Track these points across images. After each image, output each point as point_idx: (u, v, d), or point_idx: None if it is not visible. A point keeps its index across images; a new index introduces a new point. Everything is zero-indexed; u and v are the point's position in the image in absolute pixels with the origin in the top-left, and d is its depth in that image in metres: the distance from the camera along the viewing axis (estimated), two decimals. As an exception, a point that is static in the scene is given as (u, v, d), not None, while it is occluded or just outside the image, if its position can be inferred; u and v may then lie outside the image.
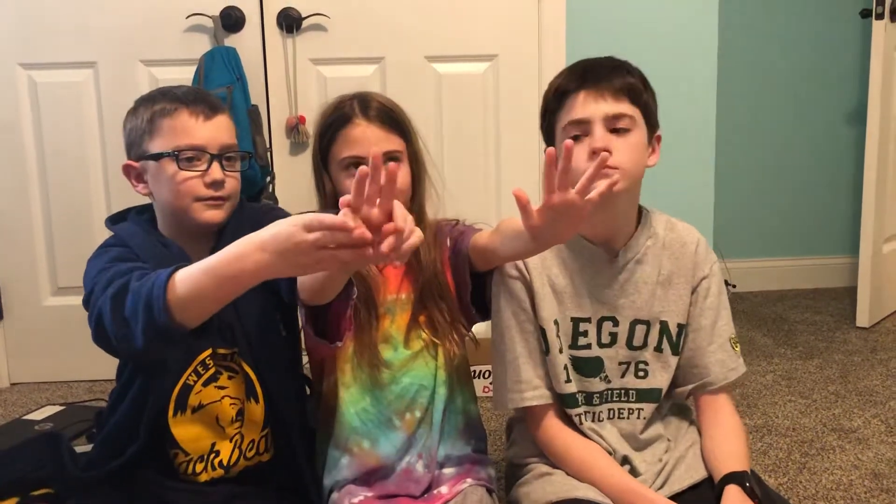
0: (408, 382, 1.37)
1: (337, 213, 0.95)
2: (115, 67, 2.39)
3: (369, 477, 1.36)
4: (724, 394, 1.37)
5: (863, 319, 2.88)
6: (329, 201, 1.37)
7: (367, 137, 1.32)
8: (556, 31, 2.46)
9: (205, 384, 1.32)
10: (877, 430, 1.99)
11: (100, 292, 1.17)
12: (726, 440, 1.32)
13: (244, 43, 2.37)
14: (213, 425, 1.34)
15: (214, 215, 1.33)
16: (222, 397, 1.34)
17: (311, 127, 2.42)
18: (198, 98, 1.34)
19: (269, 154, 2.39)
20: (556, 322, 1.33)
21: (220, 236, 1.35)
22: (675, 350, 1.37)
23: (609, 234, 1.34)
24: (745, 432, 1.36)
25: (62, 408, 2.16)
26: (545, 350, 1.33)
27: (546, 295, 1.33)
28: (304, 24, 2.40)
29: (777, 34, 3.37)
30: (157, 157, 1.31)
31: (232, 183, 1.34)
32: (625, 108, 1.25)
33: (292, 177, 2.43)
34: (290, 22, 2.38)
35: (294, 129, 2.43)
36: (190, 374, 1.30)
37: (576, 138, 1.24)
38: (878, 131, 2.81)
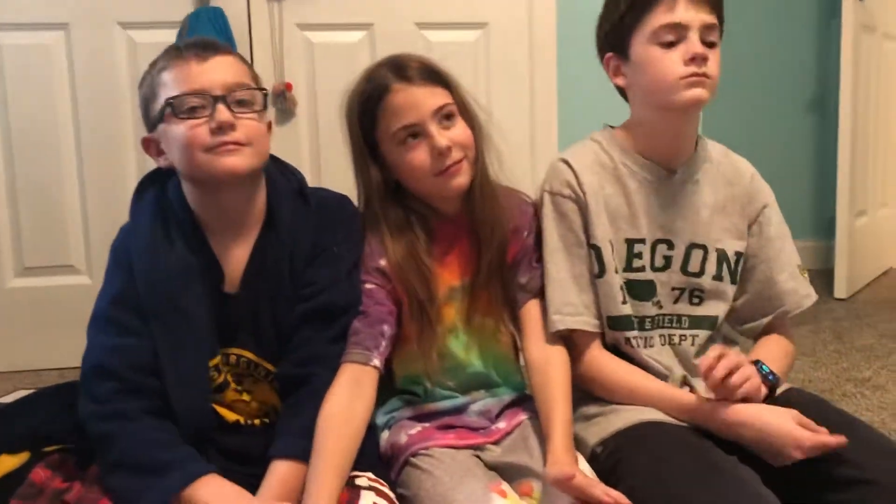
0: (472, 372, 1.30)
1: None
2: (90, 30, 2.25)
3: (425, 417, 1.29)
4: (784, 326, 1.36)
5: (841, 291, 2.93)
6: (375, 192, 1.25)
7: (414, 100, 1.19)
8: (546, -2, 2.45)
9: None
10: (889, 377, 2.02)
11: (86, 373, 1.17)
12: (763, 347, 1.33)
13: (227, 6, 2.26)
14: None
15: (232, 162, 1.14)
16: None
17: (297, 96, 2.35)
18: (192, 43, 1.20)
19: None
20: (610, 242, 1.28)
21: (271, 220, 1.21)
22: (734, 279, 1.34)
23: (671, 152, 1.31)
24: (792, 355, 1.35)
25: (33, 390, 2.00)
26: (600, 271, 1.28)
27: (601, 214, 1.28)
28: (291, -13, 2.31)
29: (736, 22, 3.43)
30: (160, 116, 1.16)
31: (249, 126, 1.16)
32: (714, 20, 1.24)
33: (279, 145, 2.28)
34: (276, -15, 2.30)
35: (281, 95, 2.33)
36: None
37: (668, 44, 1.21)
38: (851, 110, 2.88)
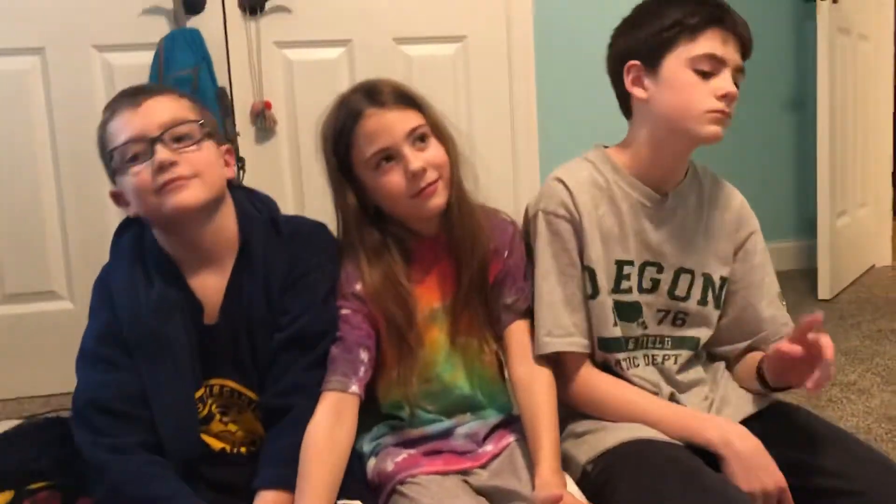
0: (459, 395, 1.29)
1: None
2: (65, 53, 2.23)
3: (411, 443, 1.28)
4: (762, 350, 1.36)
5: (824, 292, 2.94)
6: (352, 217, 1.24)
7: (387, 123, 1.19)
8: (523, 11, 2.46)
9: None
10: (874, 381, 2.03)
11: (79, 408, 1.16)
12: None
13: (204, 26, 2.25)
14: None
15: (180, 198, 1.14)
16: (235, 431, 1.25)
17: (277, 115, 2.34)
18: (124, 92, 1.22)
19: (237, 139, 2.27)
20: (602, 264, 1.28)
21: (244, 251, 1.22)
22: (718, 304, 1.34)
23: (665, 175, 1.30)
24: None
25: (20, 422, 1.97)
26: (592, 293, 1.27)
27: (595, 236, 1.27)
28: (268, 5, 2.31)
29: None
30: (111, 171, 1.19)
31: (193, 159, 1.15)
32: (743, 66, 1.24)
33: (259, 165, 2.32)
34: (252, 3, 2.29)
35: (260, 114, 2.33)
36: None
37: (703, 74, 1.21)
38: (829, 111, 2.90)
